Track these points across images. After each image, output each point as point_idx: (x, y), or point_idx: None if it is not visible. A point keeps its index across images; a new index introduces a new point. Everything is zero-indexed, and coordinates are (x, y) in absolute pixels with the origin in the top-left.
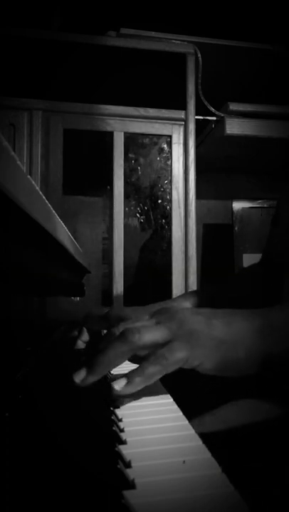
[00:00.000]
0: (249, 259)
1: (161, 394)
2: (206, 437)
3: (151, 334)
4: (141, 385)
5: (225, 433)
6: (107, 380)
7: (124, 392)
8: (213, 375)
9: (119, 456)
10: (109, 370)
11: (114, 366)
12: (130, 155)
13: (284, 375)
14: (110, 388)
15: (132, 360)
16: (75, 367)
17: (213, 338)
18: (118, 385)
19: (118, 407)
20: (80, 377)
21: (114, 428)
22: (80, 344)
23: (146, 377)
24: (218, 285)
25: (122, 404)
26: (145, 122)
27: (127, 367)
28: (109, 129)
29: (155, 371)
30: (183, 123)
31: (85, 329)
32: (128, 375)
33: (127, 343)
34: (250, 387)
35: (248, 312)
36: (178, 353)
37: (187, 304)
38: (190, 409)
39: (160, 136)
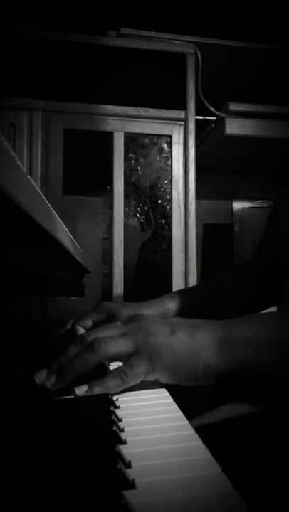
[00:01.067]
0: None
1: (161, 394)
2: (205, 437)
3: (116, 346)
4: (99, 392)
5: (225, 433)
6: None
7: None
8: (171, 384)
9: (119, 456)
10: (76, 376)
11: (81, 373)
12: (130, 155)
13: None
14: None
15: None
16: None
17: (173, 351)
18: (79, 391)
19: (118, 407)
20: (50, 383)
21: (114, 428)
22: None
23: (105, 388)
24: (212, 283)
25: (122, 404)
26: (145, 122)
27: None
28: (109, 129)
29: (114, 384)
30: (183, 123)
31: (80, 328)
32: (89, 384)
33: (94, 354)
34: (251, 388)
35: (212, 324)
36: (137, 369)
37: (172, 304)
38: (190, 409)
39: (160, 136)
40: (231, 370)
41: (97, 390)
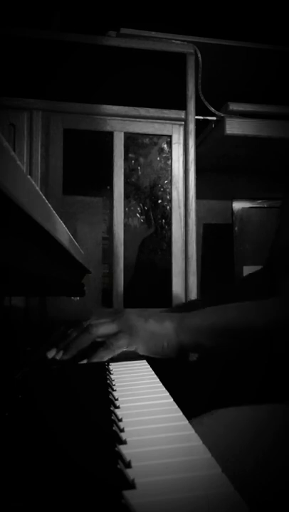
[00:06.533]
0: (249, 260)
1: (162, 394)
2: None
3: (104, 328)
4: (95, 361)
5: (224, 433)
6: (108, 384)
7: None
8: (147, 355)
9: (120, 456)
10: (77, 351)
11: (81, 349)
12: (130, 155)
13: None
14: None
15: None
16: (74, 366)
17: (147, 330)
18: (81, 361)
19: (118, 407)
20: (58, 355)
21: (114, 428)
22: None
23: (98, 357)
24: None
25: (122, 404)
26: (145, 122)
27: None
28: (109, 129)
29: (104, 353)
30: (183, 123)
31: None
32: (87, 356)
33: (89, 334)
34: (251, 389)
35: (174, 315)
36: (121, 340)
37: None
38: (190, 409)
39: (160, 136)
40: (186, 348)
41: (93, 358)
